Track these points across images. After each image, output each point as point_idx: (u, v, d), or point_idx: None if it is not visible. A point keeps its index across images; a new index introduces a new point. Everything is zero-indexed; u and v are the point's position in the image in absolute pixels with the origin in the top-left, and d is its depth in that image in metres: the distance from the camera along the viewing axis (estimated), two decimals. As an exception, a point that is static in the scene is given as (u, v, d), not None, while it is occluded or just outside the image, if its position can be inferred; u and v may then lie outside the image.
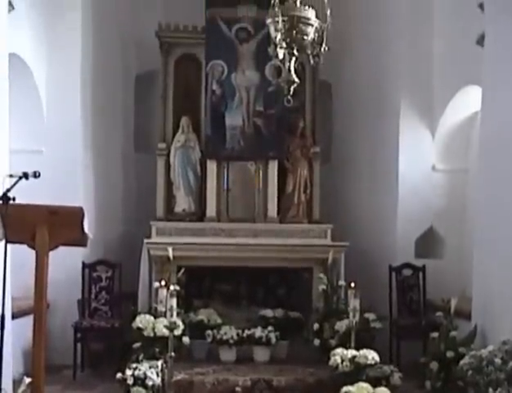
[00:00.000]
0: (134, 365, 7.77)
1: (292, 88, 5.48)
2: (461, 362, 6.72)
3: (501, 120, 7.51)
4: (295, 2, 5.37)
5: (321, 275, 9.83)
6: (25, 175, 5.19)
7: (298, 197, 10.61)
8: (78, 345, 9.40)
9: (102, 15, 10.42)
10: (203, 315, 9.76)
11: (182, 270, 9.53)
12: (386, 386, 7.58)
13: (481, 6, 8.07)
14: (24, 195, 5.22)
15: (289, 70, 5.43)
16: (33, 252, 5.26)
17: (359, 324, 8.56)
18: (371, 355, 8.08)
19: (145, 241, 9.97)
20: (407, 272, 10.18)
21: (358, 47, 11.18)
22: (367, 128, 11.13)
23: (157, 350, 8.44)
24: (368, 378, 7.75)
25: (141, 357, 8.34)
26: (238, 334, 9.46)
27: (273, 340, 9.49)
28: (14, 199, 5.06)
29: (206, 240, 10.14)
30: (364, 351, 8.14)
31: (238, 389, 8.45)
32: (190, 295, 10.02)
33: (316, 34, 5.39)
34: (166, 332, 8.25)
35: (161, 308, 8.38)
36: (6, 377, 5.43)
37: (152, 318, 8.77)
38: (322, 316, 9.58)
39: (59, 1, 9.61)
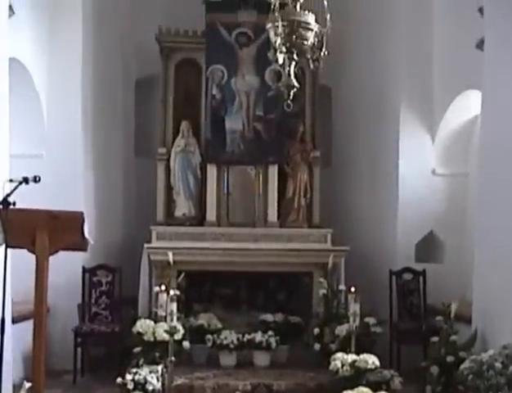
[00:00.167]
0: (134, 370, 7.77)
1: (292, 93, 5.48)
2: (462, 366, 6.71)
3: (501, 124, 7.52)
4: (295, 7, 5.38)
5: (321, 279, 9.82)
6: (25, 180, 5.19)
7: (298, 202, 10.61)
8: (79, 349, 9.39)
9: (103, 20, 10.43)
10: (203, 320, 9.76)
11: (182, 275, 9.54)
12: (386, 390, 7.58)
13: (481, 10, 8.08)
14: (24, 199, 5.21)
15: (289, 75, 5.43)
16: (34, 257, 5.27)
17: (359, 329, 8.57)
18: (371, 360, 8.07)
19: (146, 245, 9.97)
20: (407, 276, 10.18)
21: (358, 51, 11.19)
22: (367, 133, 11.13)
23: (157, 354, 8.44)
24: (368, 383, 7.74)
25: (141, 362, 8.34)
26: (238, 339, 9.45)
27: (273, 344, 9.48)
28: (14, 204, 5.06)
29: (206, 244, 10.14)
30: (364, 356, 8.14)
31: (238, 393, 8.47)
32: (191, 299, 10.01)
33: (316, 39, 5.39)
34: (166, 336, 8.24)
35: (161, 312, 8.37)
36: (6, 382, 5.42)
37: (152, 322, 8.76)
38: (322, 320, 9.57)
39: (59, 6, 9.62)
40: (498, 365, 6.36)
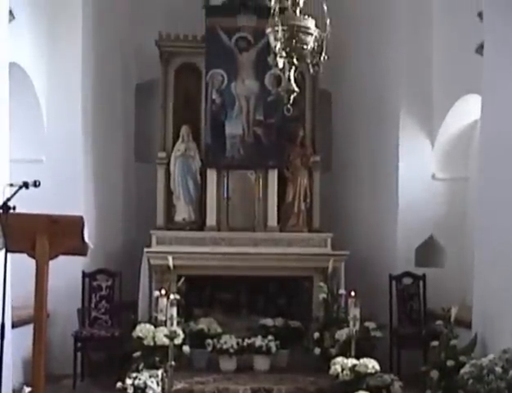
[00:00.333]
0: (134, 374, 7.78)
1: (292, 97, 5.48)
2: (462, 371, 6.71)
3: (501, 129, 7.53)
4: (295, 12, 5.37)
5: (322, 284, 9.83)
6: (26, 184, 5.19)
7: (298, 206, 10.62)
8: (78, 354, 9.37)
9: (102, 25, 10.44)
10: (203, 324, 9.75)
11: (182, 279, 9.54)
12: (386, 394, 7.60)
13: (480, 15, 8.09)
14: (24, 204, 5.22)
15: (289, 79, 5.43)
16: (34, 261, 5.27)
17: (359, 333, 8.57)
18: (372, 364, 8.07)
19: (146, 250, 9.98)
20: (407, 280, 10.17)
21: (358, 55, 11.20)
22: (367, 137, 11.14)
23: (157, 359, 8.44)
24: (368, 387, 7.75)
25: (141, 366, 8.34)
26: (238, 343, 9.45)
27: (273, 349, 9.48)
28: (14, 208, 5.06)
29: (206, 249, 10.14)
30: (364, 360, 8.14)
31: (238, 398, 8.46)
32: (191, 304, 10.02)
33: (316, 43, 5.39)
34: (166, 341, 8.24)
35: (161, 317, 8.37)
36: (5, 387, 5.41)
37: (152, 327, 8.76)
38: (322, 325, 9.58)
39: (59, 10, 9.62)
40: (498, 369, 6.36)
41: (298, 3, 5.39)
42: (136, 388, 7.53)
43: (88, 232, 5.49)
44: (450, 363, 7.55)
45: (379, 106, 10.86)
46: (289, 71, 5.41)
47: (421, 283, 10.12)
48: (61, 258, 5.37)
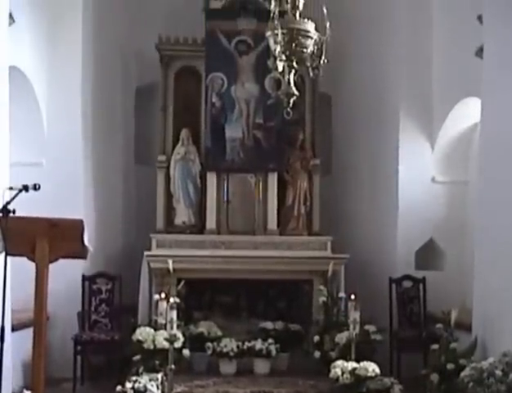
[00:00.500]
0: (134, 378, 7.77)
1: (292, 101, 5.49)
2: (462, 374, 6.70)
3: (501, 132, 7.52)
4: (295, 15, 5.39)
5: (321, 287, 9.83)
6: (25, 188, 5.19)
7: (298, 209, 10.62)
8: (78, 357, 9.36)
9: (102, 28, 10.45)
10: (203, 328, 9.75)
11: (182, 282, 9.53)
12: (387, 398, 7.59)
13: (480, 18, 8.09)
14: (24, 207, 5.22)
15: (289, 83, 5.44)
16: (34, 265, 5.26)
17: (359, 336, 8.56)
18: (372, 367, 8.06)
19: (146, 253, 9.98)
20: (407, 284, 10.16)
21: (358, 59, 11.20)
22: (367, 140, 11.14)
23: (157, 362, 8.43)
24: (368, 390, 7.75)
25: (141, 370, 8.33)
26: (238, 346, 9.45)
27: (273, 352, 9.49)
28: (14, 211, 5.06)
29: (206, 252, 10.14)
30: (364, 363, 8.13)
31: (238, 401, 8.46)
32: (191, 307, 10.02)
33: (316, 47, 5.40)
34: (166, 344, 8.23)
35: (161, 320, 8.37)
36: (5, 390, 5.40)
37: (152, 330, 8.76)
38: (322, 328, 9.58)
39: (59, 14, 9.63)
40: (498, 373, 6.35)
41: (298, 7, 5.41)
42: (136, 391, 7.51)
43: (88, 236, 5.49)
44: (450, 366, 7.53)
45: (378, 109, 10.86)
46: (289, 74, 5.42)
47: (421, 286, 10.12)
48: (61, 261, 5.37)
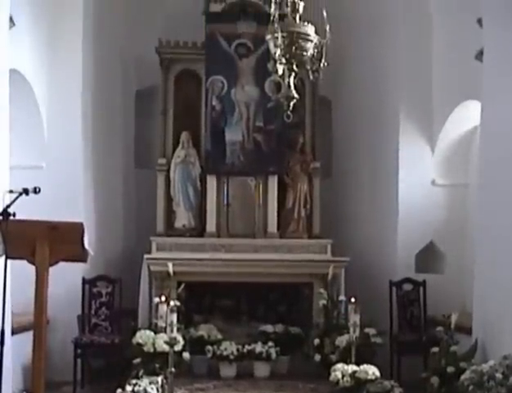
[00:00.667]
0: (134, 381, 7.76)
1: (292, 104, 5.50)
2: (462, 377, 6.69)
3: (501, 134, 7.52)
4: (295, 18, 5.39)
5: (322, 290, 9.83)
6: (25, 191, 5.19)
7: (298, 212, 10.62)
8: (78, 360, 9.35)
9: (103, 32, 10.45)
10: (203, 331, 9.75)
11: (182, 286, 9.54)
12: (387, 401, 7.58)
13: (479, 21, 8.09)
14: (24, 210, 5.22)
15: (289, 86, 5.45)
16: (34, 268, 5.26)
17: (359, 339, 8.55)
18: (372, 371, 8.06)
19: (146, 256, 9.98)
20: (408, 287, 10.15)
21: (358, 62, 11.21)
22: (367, 143, 11.15)
23: (157, 365, 8.43)
24: (369, 394, 7.74)
25: (141, 373, 8.33)
26: (238, 349, 9.45)
27: (273, 355, 9.49)
28: (14, 215, 5.06)
29: (206, 255, 10.14)
30: (364, 366, 8.13)
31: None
32: (191, 310, 10.02)
33: (316, 50, 5.41)
34: (166, 347, 8.22)
35: (161, 323, 8.35)
36: (5, 393, 5.41)
37: (152, 333, 8.76)
38: (323, 331, 9.57)
39: (60, 17, 9.63)
40: (499, 376, 6.35)
41: (298, 10, 5.42)
42: (136, 395, 7.52)
43: (88, 239, 5.51)
44: (450, 369, 7.53)
45: (378, 112, 10.87)
46: (289, 78, 5.43)
47: (421, 289, 10.11)
48: (61, 264, 5.37)
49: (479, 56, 8.22)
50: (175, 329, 7.97)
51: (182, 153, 10.59)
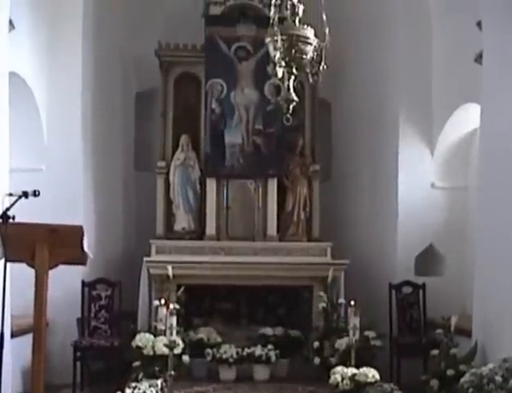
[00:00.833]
0: (134, 384, 7.76)
1: (291, 107, 5.49)
2: (462, 380, 6.68)
3: (500, 137, 7.53)
4: (294, 21, 5.39)
5: (321, 293, 9.82)
6: (25, 194, 5.20)
7: (298, 215, 10.62)
8: (78, 363, 9.34)
9: (102, 34, 10.45)
10: (203, 334, 9.75)
11: (182, 288, 9.54)
12: (386, 404, 7.58)
13: (479, 24, 8.10)
14: (23, 214, 5.22)
15: (289, 89, 5.44)
16: (33, 271, 5.26)
17: (359, 342, 8.55)
18: (372, 373, 8.06)
19: (145, 259, 9.97)
20: (407, 289, 10.16)
21: (357, 65, 11.22)
22: (367, 146, 11.15)
23: (157, 368, 8.42)
24: (368, 396, 7.74)
25: (140, 376, 8.32)
26: (238, 352, 9.44)
27: (273, 358, 9.48)
28: (14, 218, 5.06)
29: (206, 258, 10.13)
30: (364, 369, 8.13)
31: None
32: (190, 313, 10.01)
33: (315, 53, 5.41)
34: (166, 350, 8.23)
35: (161, 326, 8.37)
36: (5, 396, 5.41)
37: (152, 336, 8.75)
38: (322, 334, 9.56)
39: (59, 20, 9.63)
40: (498, 378, 6.34)
41: (298, 13, 5.42)
42: (135, 397, 7.52)
43: (88, 242, 5.50)
44: (450, 372, 7.53)
45: (378, 114, 10.87)
46: (289, 81, 5.43)
47: (421, 292, 10.11)
48: (61, 267, 5.38)
49: (479, 58, 8.23)
50: (174, 332, 7.98)
51: (182, 156, 10.59)
